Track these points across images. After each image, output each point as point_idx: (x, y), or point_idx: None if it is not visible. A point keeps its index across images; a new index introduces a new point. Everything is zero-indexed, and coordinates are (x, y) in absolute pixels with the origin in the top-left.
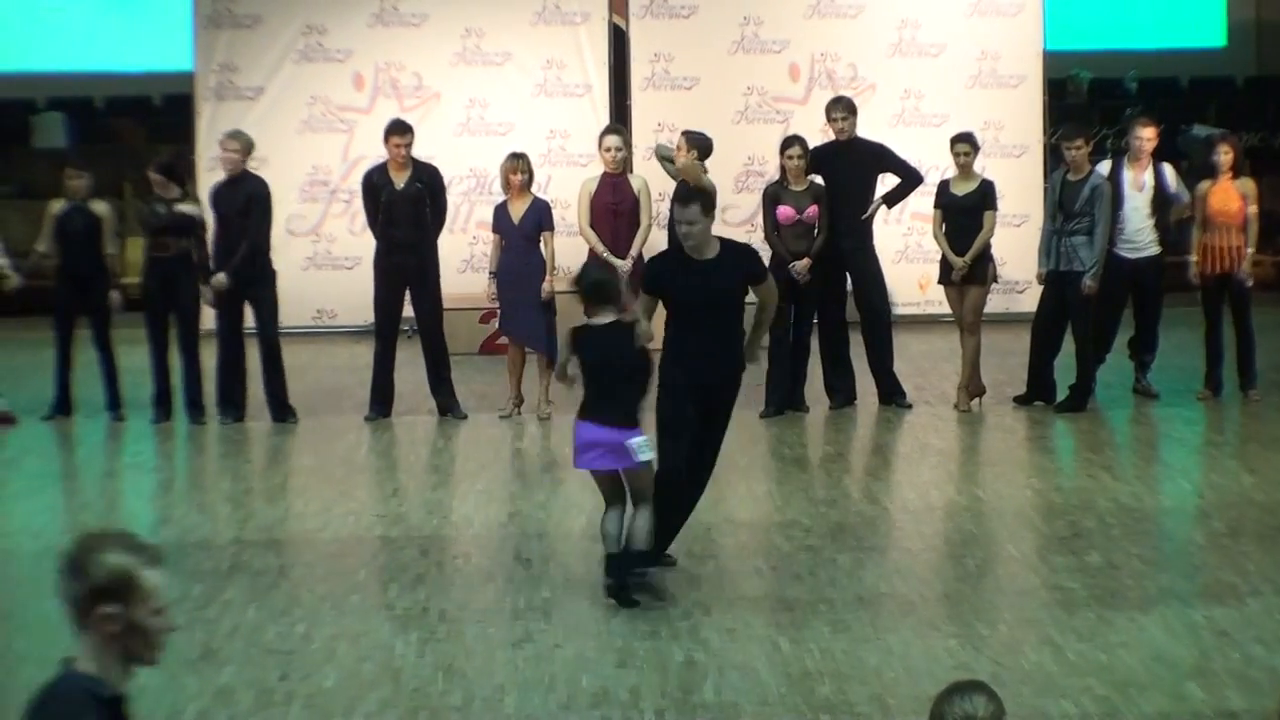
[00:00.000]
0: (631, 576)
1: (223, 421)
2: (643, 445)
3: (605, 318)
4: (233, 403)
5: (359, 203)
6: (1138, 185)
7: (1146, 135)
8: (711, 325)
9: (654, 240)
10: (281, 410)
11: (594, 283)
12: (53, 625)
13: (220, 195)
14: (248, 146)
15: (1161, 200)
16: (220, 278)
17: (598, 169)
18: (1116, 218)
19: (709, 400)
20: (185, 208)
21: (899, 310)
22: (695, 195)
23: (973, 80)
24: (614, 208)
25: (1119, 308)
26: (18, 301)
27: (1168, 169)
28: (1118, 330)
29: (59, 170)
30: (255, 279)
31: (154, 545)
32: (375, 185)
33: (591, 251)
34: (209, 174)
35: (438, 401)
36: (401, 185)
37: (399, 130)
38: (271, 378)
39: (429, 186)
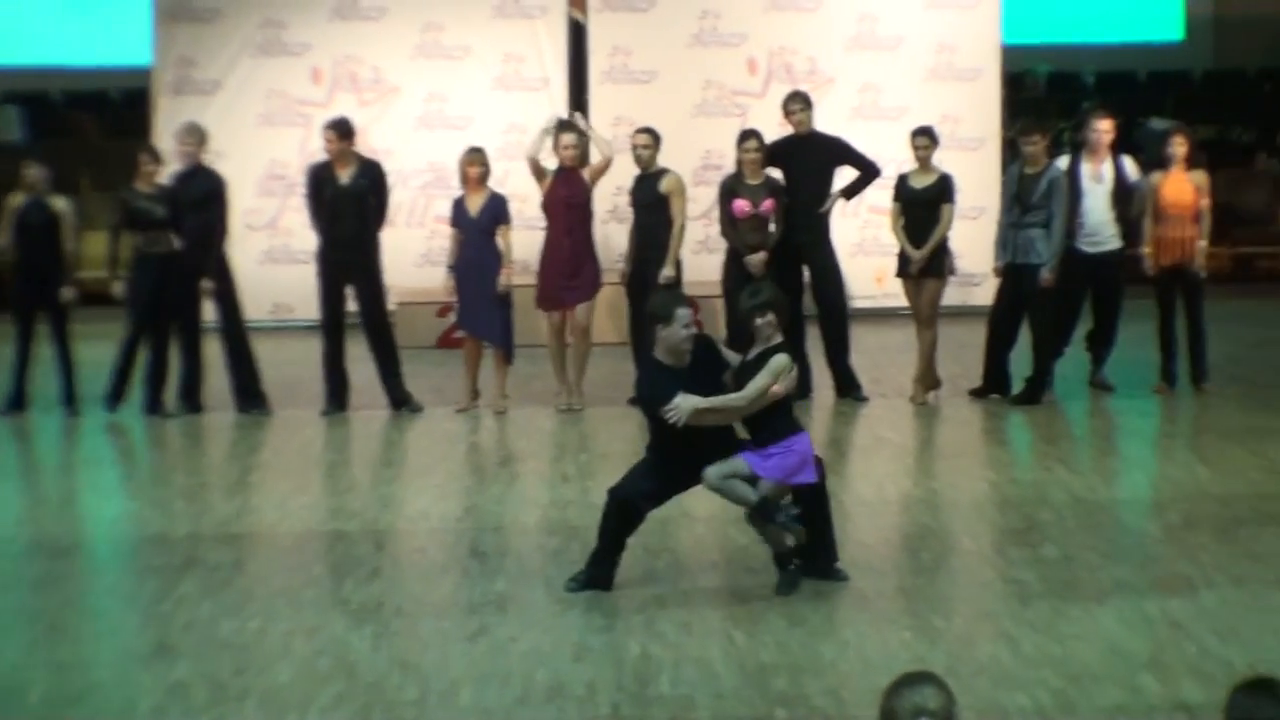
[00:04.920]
0: None
1: (184, 415)
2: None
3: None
4: (192, 396)
5: None
6: (1096, 178)
7: (1104, 128)
8: None
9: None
10: (251, 400)
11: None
12: (20, 621)
13: (176, 188)
14: (202, 140)
15: (1123, 192)
16: (206, 284)
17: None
18: (1077, 211)
19: None
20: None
21: (855, 303)
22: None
23: (930, 73)
24: (568, 200)
25: (1079, 302)
26: None
27: (1127, 161)
28: (1077, 324)
29: (16, 164)
30: (215, 275)
31: None
32: (320, 180)
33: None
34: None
35: (390, 397)
36: (345, 181)
37: (328, 126)
38: (240, 369)
39: (372, 183)
